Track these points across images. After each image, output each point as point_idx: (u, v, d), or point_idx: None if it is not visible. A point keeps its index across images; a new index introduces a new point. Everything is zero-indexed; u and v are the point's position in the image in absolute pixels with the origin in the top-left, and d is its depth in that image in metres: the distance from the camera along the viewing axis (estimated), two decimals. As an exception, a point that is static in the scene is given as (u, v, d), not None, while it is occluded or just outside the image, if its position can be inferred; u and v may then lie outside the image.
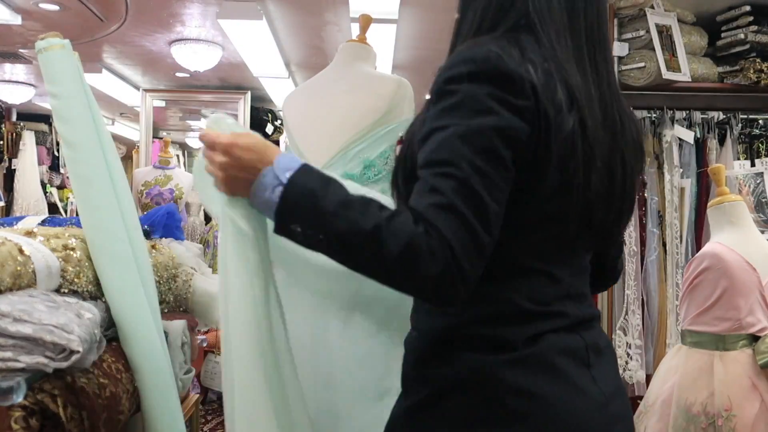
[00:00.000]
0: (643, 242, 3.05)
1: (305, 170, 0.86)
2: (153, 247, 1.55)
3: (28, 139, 6.27)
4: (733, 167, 3.00)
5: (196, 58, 4.14)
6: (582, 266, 0.98)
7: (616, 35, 3.08)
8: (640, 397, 2.67)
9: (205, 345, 3.53)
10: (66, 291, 1.19)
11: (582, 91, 0.88)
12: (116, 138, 5.16)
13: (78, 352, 1.01)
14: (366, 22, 1.95)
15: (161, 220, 1.73)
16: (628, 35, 3.07)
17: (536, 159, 0.84)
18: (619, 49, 3.06)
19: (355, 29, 3.49)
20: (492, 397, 0.86)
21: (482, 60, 0.82)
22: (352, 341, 1.40)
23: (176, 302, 1.63)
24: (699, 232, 3.09)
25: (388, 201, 0.93)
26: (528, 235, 0.89)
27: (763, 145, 3.22)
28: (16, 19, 3.59)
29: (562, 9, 0.91)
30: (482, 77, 0.81)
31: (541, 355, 0.88)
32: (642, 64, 3.00)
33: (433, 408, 0.90)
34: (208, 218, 6.24)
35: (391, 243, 0.78)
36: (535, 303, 0.89)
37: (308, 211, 0.83)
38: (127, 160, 7.29)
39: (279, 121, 5.85)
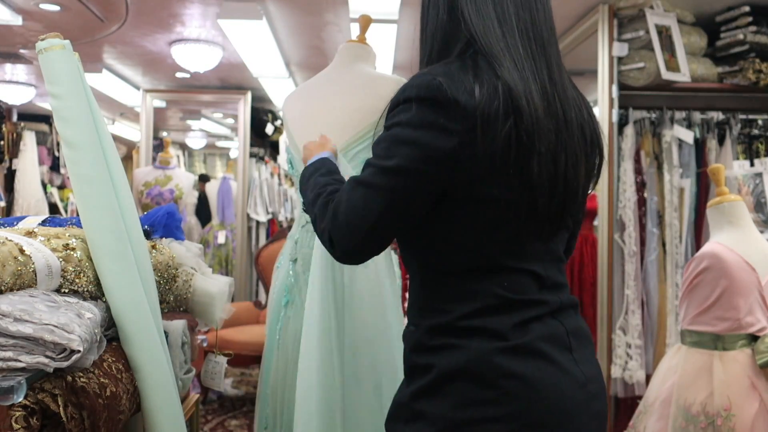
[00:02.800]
0: (642, 242, 3.05)
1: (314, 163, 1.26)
2: (153, 247, 1.56)
3: (29, 140, 6.27)
4: (732, 167, 3.00)
5: (196, 59, 4.14)
6: (554, 258, 1.09)
7: (615, 35, 3.09)
8: (640, 397, 2.67)
9: (205, 345, 3.53)
10: (66, 291, 1.19)
11: (522, 94, 0.98)
12: (116, 138, 5.16)
13: (78, 351, 1.01)
14: (366, 22, 1.95)
15: (161, 220, 1.73)
16: (628, 35, 3.07)
17: (480, 167, 0.98)
18: (618, 49, 3.06)
19: (355, 29, 3.49)
20: (487, 380, 0.98)
21: (425, 87, 0.97)
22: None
23: (176, 302, 1.63)
24: (698, 232, 3.10)
25: None
26: (495, 235, 1.02)
27: (762, 145, 3.22)
28: (16, 20, 3.59)
29: (496, 27, 1.03)
30: (423, 102, 0.97)
31: (530, 344, 1.00)
32: (641, 65, 3.00)
33: (437, 391, 1.01)
34: (207, 218, 6.25)
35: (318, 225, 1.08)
36: (517, 293, 1.02)
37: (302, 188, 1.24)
38: (128, 160, 7.30)
39: (279, 122, 5.86)
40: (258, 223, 5.67)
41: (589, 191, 1.15)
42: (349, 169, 1.67)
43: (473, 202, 1.00)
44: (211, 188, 5.94)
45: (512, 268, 1.03)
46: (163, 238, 1.69)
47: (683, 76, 3.00)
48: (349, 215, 1.00)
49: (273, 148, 6.26)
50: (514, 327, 1.00)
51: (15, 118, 6.25)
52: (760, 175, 2.91)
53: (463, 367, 0.99)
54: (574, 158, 1.04)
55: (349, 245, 1.01)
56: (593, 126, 1.10)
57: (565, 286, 1.11)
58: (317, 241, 1.56)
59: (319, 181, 1.16)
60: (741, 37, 3.08)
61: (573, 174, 1.04)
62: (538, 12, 1.07)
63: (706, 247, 2.12)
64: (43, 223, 1.49)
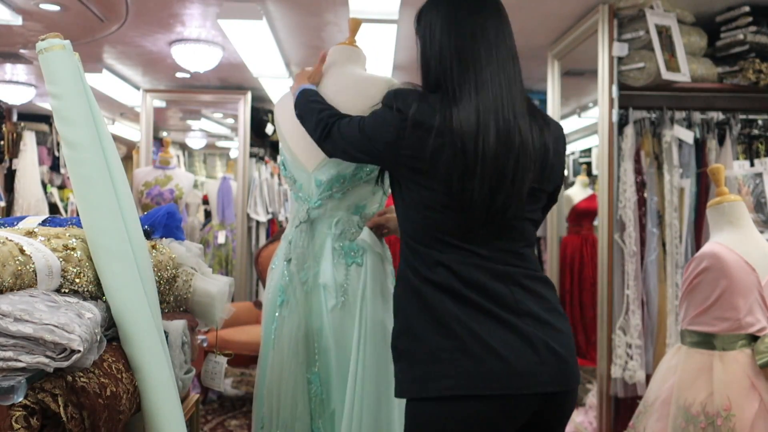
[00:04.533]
0: (643, 242, 3.05)
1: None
2: (153, 247, 1.56)
3: (29, 140, 6.27)
4: (732, 167, 3.00)
5: (196, 59, 4.13)
6: (508, 243, 1.39)
7: (616, 35, 3.09)
8: (640, 397, 2.67)
9: (205, 345, 3.53)
10: (67, 291, 1.19)
11: (465, 120, 1.32)
12: (116, 138, 5.15)
13: (79, 351, 1.01)
14: (355, 25, 1.97)
15: (161, 221, 1.73)
16: (628, 35, 3.07)
17: (415, 159, 1.35)
18: (618, 49, 3.06)
19: (355, 29, 3.49)
20: (439, 320, 1.34)
21: (386, 98, 1.42)
22: None
23: (176, 302, 1.63)
24: (698, 232, 3.10)
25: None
26: (438, 217, 1.36)
27: (762, 145, 3.22)
28: (16, 20, 3.59)
29: (455, 73, 1.36)
30: (384, 106, 1.43)
31: (475, 298, 1.33)
32: (642, 65, 3.00)
33: (405, 331, 1.39)
34: (207, 218, 6.24)
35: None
36: (461, 269, 1.35)
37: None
38: (128, 160, 7.30)
39: (279, 122, 5.85)
40: (258, 223, 5.66)
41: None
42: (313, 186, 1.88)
43: (418, 186, 1.37)
44: (211, 188, 5.94)
45: (460, 248, 1.35)
46: (163, 238, 1.69)
47: (683, 76, 3.00)
48: (342, 129, 1.53)
49: (273, 148, 6.26)
50: (463, 285, 1.34)
51: (15, 118, 6.25)
52: (760, 175, 2.91)
53: (422, 310, 1.35)
54: (523, 170, 1.33)
55: (328, 147, 1.58)
56: (546, 141, 1.39)
57: (526, 264, 1.41)
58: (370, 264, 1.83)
59: (314, 106, 1.66)
60: (741, 37, 3.08)
61: (520, 182, 1.33)
62: (498, 47, 1.37)
63: (706, 248, 2.12)
64: (43, 223, 1.49)
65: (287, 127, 1.92)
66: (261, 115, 5.69)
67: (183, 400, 1.66)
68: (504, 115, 1.33)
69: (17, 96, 5.53)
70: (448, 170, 1.32)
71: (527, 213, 1.39)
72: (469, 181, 1.31)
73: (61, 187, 6.82)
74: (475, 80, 1.34)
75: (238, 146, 5.49)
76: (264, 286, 4.37)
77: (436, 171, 1.33)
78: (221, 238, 5.51)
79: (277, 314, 1.89)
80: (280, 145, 1.98)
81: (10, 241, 1.11)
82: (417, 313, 1.36)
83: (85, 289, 1.21)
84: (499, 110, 1.33)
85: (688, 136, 3.08)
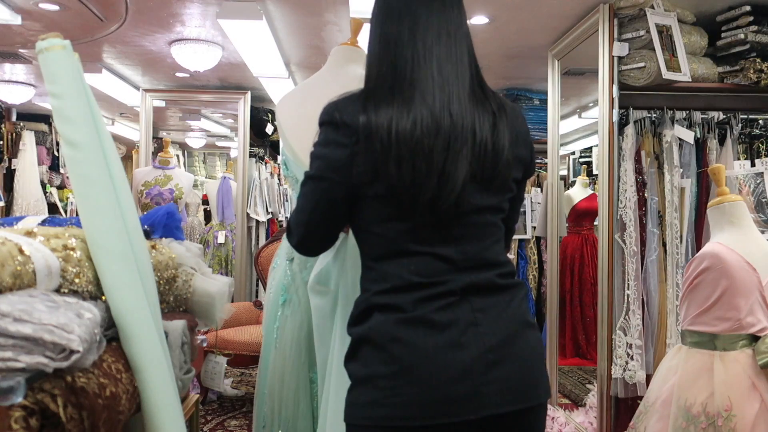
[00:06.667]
0: (643, 242, 3.05)
1: None
2: (153, 247, 1.56)
3: (28, 139, 6.27)
4: (733, 167, 3.00)
5: (196, 58, 4.13)
6: (473, 238, 1.25)
7: (616, 35, 3.08)
8: (641, 397, 2.67)
9: (205, 345, 3.52)
10: (66, 291, 1.19)
11: (393, 119, 1.20)
12: (116, 138, 5.15)
13: (78, 351, 1.01)
14: (357, 25, 1.97)
15: (161, 220, 1.73)
16: (628, 35, 3.07)
17: (367, 169, 1.21)
18: (619, 49, 3.06)
19: (355, 29, 3.49)
20: (379, 344, 1.19)
21: (324, 113, 1.28)
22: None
23: (176, 302, 1.63)
24: (699, 232, 3.09)
25: None
26: (395, 225, 1.22)
27: (763, 145, 3.22)
28: (16, 19, 3.59)
29: (381, 75, 1.27)
30: (325, 125, 1.27)
31: (422, 315, 1.19)
32: (642, 64, 3.00)
33: (353, 355, 1.25)
34: (207, 218, 6.24)
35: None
36: (422, 277, 1.21)
37: None
38: (127, 160, 7.30)
39: (279, 121, 5.84)
40: (258, 222, 5.66)
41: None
42: None
43: (372, 198, 1.23)
44: (211, 188, 5.94)
45: (420, 252, 1.22)
46: (163, 238, 1.68)
47: (684, 76, 2.99)
48: (295, 215, 1.32)
49: (273, 148, 6.25)
50: (414, 303, 1.19)
51: (14, 117, 6.25)
52: (760, 175, 2.91)
53: (365, 334, 1.22)
54: (454, 154, 1.20)
55: (297, 237, 1.32)
56: (489, 132, 1.24)
57: (495, 265, 1.26)
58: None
59: None
60: (742, 36, 3.07)
61: (453, 170, 1.20)
62: (440, 38, 1.26)
63: (707, 247, 2.12)
64: (43, 223, 1.49)
65: (289, 126, 1.93)
66: (261, 114, 5.69)
67: (183, 400, 1.65)
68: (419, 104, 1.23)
69: (16, 95, 5.53)
70: (382, 162, 1.20)
71: (486, 202, 1.26)
72: (387, 166, 1.20)
73: (61, 187, 6.81)
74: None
75: (237, 146, 5.49)
76: (264, 286, 4.38)
77: (380, 168, 1.21)
78: (221, 238, 5.51)
79: (279, 313, 1.89)
80: (282, 144, 1.98)
81: (10, 241, 1.10)
82: (358, 337, 1.25)
83: (85, 289, 1.21)
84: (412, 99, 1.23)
85: (688, 135, 3.07)
